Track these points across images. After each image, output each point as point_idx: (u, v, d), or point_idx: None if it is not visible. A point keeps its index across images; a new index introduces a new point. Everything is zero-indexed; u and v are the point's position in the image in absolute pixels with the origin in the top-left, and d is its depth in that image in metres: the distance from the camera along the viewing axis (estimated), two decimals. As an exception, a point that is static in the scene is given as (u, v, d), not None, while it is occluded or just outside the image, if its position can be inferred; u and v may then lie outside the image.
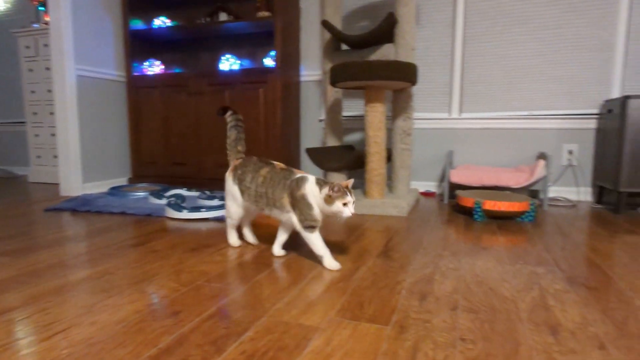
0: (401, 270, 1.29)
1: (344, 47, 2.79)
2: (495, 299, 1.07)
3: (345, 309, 1.01)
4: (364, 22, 3.03)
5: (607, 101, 2.44)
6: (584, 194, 2.68)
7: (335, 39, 2.65)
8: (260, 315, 0.96)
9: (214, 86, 2.99)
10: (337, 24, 2.65)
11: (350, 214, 1.24)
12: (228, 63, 3.12)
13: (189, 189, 2.65)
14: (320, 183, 1.28)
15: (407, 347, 0.82)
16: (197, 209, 2.06)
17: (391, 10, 2.93)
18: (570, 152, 2.67)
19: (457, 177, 2.50)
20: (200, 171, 3.09)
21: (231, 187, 1.47)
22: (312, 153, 2.53)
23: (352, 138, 3.14)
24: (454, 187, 2.77)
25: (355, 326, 0.91)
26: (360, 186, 3.05)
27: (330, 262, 1.31)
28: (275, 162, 1.42)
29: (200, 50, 3.41)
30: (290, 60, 2.99)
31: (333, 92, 2.68)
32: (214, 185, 3.06)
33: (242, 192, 1.43)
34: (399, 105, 2.48)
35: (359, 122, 3.09)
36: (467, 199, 2.10)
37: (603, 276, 1.25)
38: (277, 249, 1.46)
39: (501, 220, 2.05)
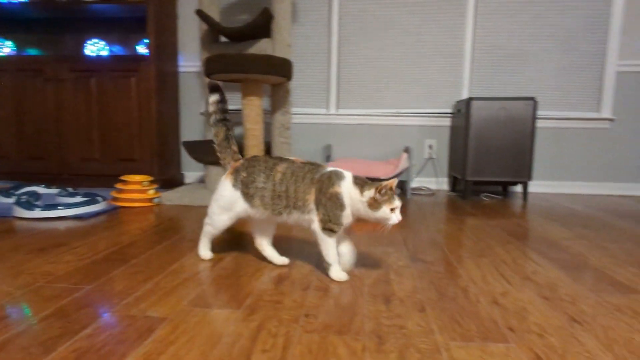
0: (263, 258, 1.33)
1: (223, 39, 2.76)
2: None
3: (199, 297, 1.01)
4: (244, 16, 3.02)
5: (457, 102, 2.79)
6: (441, 183, 3.04)
7: (212, 30, 2.60)
8: (105, 311, 0.92)
9: (78, 72, 2.72)
10: (215, 14, 2.60)
11: (397, 221, 1.10)
12: (95, 48, 2.86)
13: (48, 186, 2.38)
14: (360, 183, 1.11)
15: (253, 327, 0.86)
16: (53, 206, 1.86)
17: (267, 5, 2.97)
18: (430, 147, 2.99)
19: (333, 169, 2.64)
20: (63, 166, 2.79)
21: (228, 192, 1.21)
22: (190, 146, 2.46)
23: (235, 132, 3.12)
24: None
25: (206, 313, 0.92)
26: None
27: (338, 273, 1.14)
28: (290, 157, 1.22)
29: (62, 32, 3.07)
30: (166, 49, 2.85)
31: (211, 85, 2.62)
32: (79, 181, 2.79)
33: (250, 197, 1.18)
34: (277, 100, 2.54)
35: (240, 116, 3.08)
36: (339, 190, 2.23)
37: (440, 252, 1.44)
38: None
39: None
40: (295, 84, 3.05)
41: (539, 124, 2.88)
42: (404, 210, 2.20)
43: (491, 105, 2.48)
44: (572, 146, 2.90)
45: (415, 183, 3.04)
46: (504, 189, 2.92)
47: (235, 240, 1.55)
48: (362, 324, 0.88)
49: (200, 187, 2.54)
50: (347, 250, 1.19)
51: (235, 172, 1.21)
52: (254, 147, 2.27)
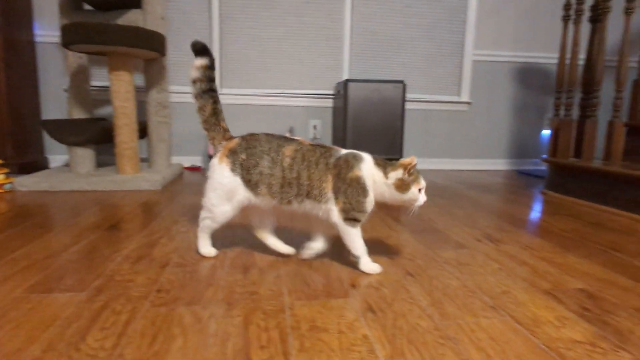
0: (126, 239, 1.27)
1: (88, 7, 2.49)
2: (208, 253, 1.16)
3: (39, 284, 0.93)
4: (113, -17, 2.76)
5: (337, 84, 2.91)
6: (326, 163, 3.17)
7: (73, -5, 2.33)
8: None
9: None
10: (75, -22, 2.33)
11: (423, 202, 1.03)
12: None
13: None
14: (382, 164, 1.02)
15: (96, 308, 0.82)
16: None
17: (143, -26, 2.76)
18: (315, 127, 3.09)
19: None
20: None
21: (227, 178, 1.04)
22: (49, 126, 2.21)
23: (106, 111, 2.87)
24: (217, 160, 2.87)
25: (43, 299, 0.86)
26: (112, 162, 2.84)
27: (370, 265, 1.05)
28: (295, 137, 1.08)
29: None
30: (16, 14, 2.49)
31: (76, 58, 2.37)
32: None
33: (254, 184, 1.04)
34: (152, 76, 2.39)
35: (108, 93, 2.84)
36: (219, 169, 2.21)
37: (304, 222, 1.51)
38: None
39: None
40: (175, 61, 2.89)
41: (410, 105, 3.14)
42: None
43: (366, 87, 2.64)
44: (437, 126, 3.23)
45: (301, 162, 3.13)
46: (381, 166, 3.15)
47: (98, 223, 1.45)
48: (214, 294, 0.90)
49: (64, 170, 2.30)
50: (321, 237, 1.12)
51: (232, 154, 1.04)
52: (126, 126, 2.12)
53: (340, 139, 2.79)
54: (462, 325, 0.79)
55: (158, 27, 2.31)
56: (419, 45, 3.10)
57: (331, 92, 3.08)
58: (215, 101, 1.10)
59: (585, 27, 2.99)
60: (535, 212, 1.80)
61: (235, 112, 3.00)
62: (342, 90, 2.70)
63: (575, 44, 2.18)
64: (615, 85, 2.08)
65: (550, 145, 2.31)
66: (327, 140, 3.13)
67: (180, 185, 2.24)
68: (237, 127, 3.01)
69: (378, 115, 2.68)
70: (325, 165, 1.01)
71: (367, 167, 1.02)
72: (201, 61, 1.08)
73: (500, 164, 3.35)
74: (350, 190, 0.99)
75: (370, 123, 2.68)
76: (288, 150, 1.03)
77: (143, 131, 2.42)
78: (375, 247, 1.25)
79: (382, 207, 1.80)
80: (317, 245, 1.12)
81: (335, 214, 1.01)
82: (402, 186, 0.99)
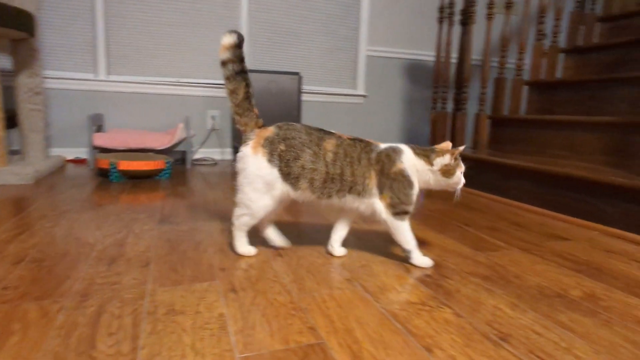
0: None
1: None
2: (73, 246, 1.10)
3: None
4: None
5: (235, 73, 2.89)
6: (226, 154, 3.13)
7: None
8: None
9: None
10: None
11: (463, 184, 1.06)
12: None
13: None
14: (423, 153, 1.03)
15: None
16: None
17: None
18: (213, 118, 3.04)
19: (101, 140, 2.43)
20: None
21: (265, 170, 0.98)
22: None
23: (-31, 97, 2.53)
24: (107, 152, 2.68)
25: None
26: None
27: (421, 259, 1.05)
28: (332, 131, 1.03)
29: None
30: None
31: None
32: None
33: (294, 178, 0.99)
34: (21, 60, 2.16)
35: (-24, 78, 2.51)
36: (103, 161, 2.08)
37: (193, 214, 1.49)
38: (338, 248, 1.11)
39: (140, 179, 2.14)
40: (52, 43, 2.64)
41: (308, 97, 3.23)
42: (182, 181, 2.19)
43: (262, 78, 2.66)
44: (335, 118, 3.36)
45: (200, 154, 3.06)
46: (282, 157, 3.20)
47: (-58, 222, 1.28)
48: (70, 287, 0.86)
49: None
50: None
51: (269, 143, 0.99)
52: (-13, 113, 1.89)
53: (238, 130, 2.77)
54: (316, 297, 0.85)
55: (25, 4, 2.09)
56: (316, 39, 3.19)
57: (229, 82, 3.04)
58: (248, 84, 1.03)
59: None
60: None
61: (125, 100, 2.83)
62: (239, 81, 2.68)
63: (448, 43, 2.41)
64: (480, 82, 2.35)
65: (430, 135, 2.54)
66: (227, 131, 3.10)
67: (59, 179, 2.07)
68: (127, 117, 2.85)
69: (275, 106, 2.71)
70: (368, 161, 1.01)
71: (408, 159, 1.03)
72: (230, 39, 0.99)
73: (393, 154, 3.59)
74: (396, 185, 1.00)
75: (268, 114, 2.71)
76: (329, 144, 1.00)
77: (12, 120, 2.19)
78: (256, 232, 1.28)
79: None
80: (340, 236, 1.12)
81: (383, 210, 1.01)
82: (448, 171, 1.02)
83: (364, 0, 3.25)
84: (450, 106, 3.24)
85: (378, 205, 1.01)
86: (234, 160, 3.03)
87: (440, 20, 2.42)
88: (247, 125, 1.04)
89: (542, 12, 2.35)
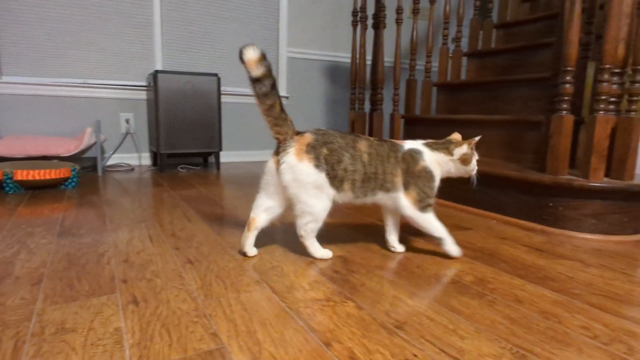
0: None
1: None
2: (-51, 268, 0.99)
3: None
4: None
5: (148, 75, 2.76)
6: (144, 159, 2.98)
7: None
8: None
9: None
10: None
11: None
12: None
13: None
14: (440, 147, 1.13)
15: None
16: None
17: None
18: (127, 121, 2.87)
19: (-5, 148, 2.19)
20: None
21: (314, 175, 1.01)
22: None
23: None
24: (3, 160, 2.43)
25: None
26: None
27: (453, 246, 1.14)
28: (356, 134, 1.11)
29: None
30: None
31: None
32: None
33: (339, 181, 1.04)
34: None
35: None
36: (-4, 171, 1.88)
37: (99, 224, 1.40)
38: (397, 244, 1.20)
39: (42, 189, 1.96)
40: None
41: (229, 99, 3.17)
42: (92, 189, 2.05)
43: (178, 79, 2.56)
44: (258, 120, 3.34)
45: (115, 159, 2.88)
46: (204, 160, 3.12)
47: None
48: (-59, 313, 0.77)
49: None
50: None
51: (312, 149, 1.01)
52: None
53: (154, 133, 2.65)
54: (222, 303, 0.85)
55: None
56: (235, 39, 3.15)
57: (144, 83, 2.90)
58: (279, 95, 1.04)
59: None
60: (332, 195, 2.03)
61: (24, 104, 2.58)
62: (152, 82, 2.57)
63: (362, 46, 2.50)
64: (393, 83, 2.46)
65: (349, 135, 2.62)
66: (143, 135, 2.95)
67: (-60, 193, 1.84)
68: (26, 122, 2.60)
69: (194, 108, 2.63)
70: (395, 159, 1.09)
71: (428, 156, 1.12)
72: (255, 53, 0.96)
73: (318, 154, 3.65)
74: (421, 181, 1.09)
75: (186, 117, 2.62)
76: (363, 145, 1.06)
77: None
78: (168, 240, 1.24)
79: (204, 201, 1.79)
80: (393, 234, 1.20)
81: (409, 206, 1.09)
82: (466, 160, 1.12)
83: (283, 1, 3.27)
84: (367, 107, 3.36)
85: (403, 201, 1.09)
86: (152, 165, 2.90)
87: (354, 24, 2.50)
88: (286, 134, 1.04)
89: (446, 19, 2.53)
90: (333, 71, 3.60)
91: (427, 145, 1.14)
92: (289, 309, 0.83)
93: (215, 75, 2.67)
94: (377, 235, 1.36)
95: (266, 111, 1.03)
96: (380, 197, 1.11)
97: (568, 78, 1.42)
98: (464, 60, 2.85)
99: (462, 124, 2.21)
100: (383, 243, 1.27)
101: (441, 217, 1.62)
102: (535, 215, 1.53)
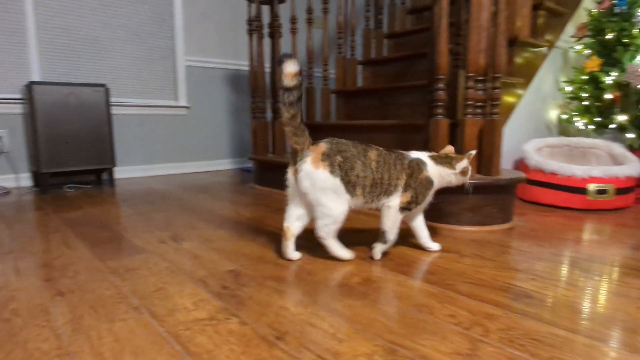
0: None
1: None
2: None
3: None
4: None
5: (23, 87, 2.48)
6: (24, 180, 2.67)
7: None
8: None
9: None
10: None
11: None
12: None
13: None
14: (443, 161, 1.24)
15: None
16: None
17: None
18: (0, 138, 2.55)
19: None
20: None
21: (330, 180, 1.09)
22: None
23: None
24: None
25: None
26: None
27: (379, 253, 1.22)
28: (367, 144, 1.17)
29: None
30: None
31: None
32: None
33: (352, 186, 1.11)
34: None
35: None
36: None
37: (-47, 260, 1.22)
38: (432, 244, 1.30)
39: None
40: None
41: (122, 111, 2.97)
42: (-57, 218, 1.77)
43: (59, 91, 2.34)
44: (157, 132, 3.18)
45: (-14, 183, 2.53)
46: (98, 177, 2.88)
47: None
48: None
49: None
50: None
51: (327, 157, 1.10)
52: None
53: (33, 150, 2.39)
54: (91, 336, 0.78)
55: None
56: (125, 48, 2.96)
57: (19, 96, 2.60)
58: (301, 108, 1.12)
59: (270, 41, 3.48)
60: (235, 206, 1.99)
61: None
62: (27, 95, 2.31)
63: (260, 55, 2.50)
64: (292, 91, 2.49)
65: (252, 144, 2.60)
66: (21, 153, 2.64)
67: None
68: None
69: (80, 122, 2.42)
70: (402, 166, 1.17)
71: (431, 168, 1.22)
72: (294, 67, 1.06)
73: (224, 164, 3.57)
74: (420, 187, 1.19)
75: (71, 131, 2.40)
76: (373, 154, 1.14)
77: None
78: (38, 271, 1.11)
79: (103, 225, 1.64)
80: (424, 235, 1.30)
81: (395, 201, 1.17)
82: (465, 172, 1.24)
83: (177, 8, 3.15)
84: (269, 115, 3.37)
85: (395, 201, 1.18)
86: (34, 186, 2.60)
87: (250, 33, 2.49)
88: (303, 144, 1.12)
89: (339, 29, 2.63)
90: (236, 80, 3.55)
91: (431, 157, 1.25)
92: (167, 333, 0.79)
93: (103, 85, 2.48)
94: (272, 244, 1.36)
95: (288, 120, 1.10)
96: (380, 203, 1.18)
97: (441, 85, 1.55)
98: (359, 68, 2.98)
99: (359, 129, 2.31)
100: (278, 252, 1.27)
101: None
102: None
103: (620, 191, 1.86)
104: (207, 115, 3.43)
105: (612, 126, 2.20)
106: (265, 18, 3.44)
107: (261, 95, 2.54)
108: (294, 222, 1.19)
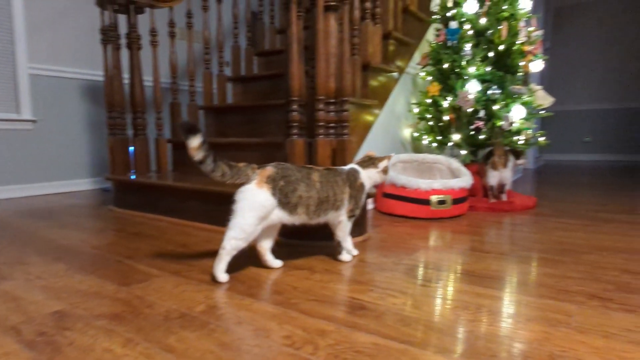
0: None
1: None
2: None
3: None
4: None
5: None
6: None
7: None
8: None
9: None
10: None
11: None
12: None
13: None
14: (366, 163, 1.42)
15: None
16: None
17: None
18: None
19: None
20: None
21: (268, 201, 1.19)
22: None
23: None
24: None
25: None
26: None
27: (346, 256, 1.41)
28: (310, 166, 1.33)
29: None
30: None
31: None
32: None
33: (292, 206, 1.23)
34: None
35: None
36: None
37: None
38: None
39: None
40: None
41: (-56, 125, 2.49)
42: None
43: None
44: (26, 147, 2.74)
45: None
46: None
47: None
48: None
49: None
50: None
51: (271, 180, 1.20)
52: None
53: None
54: None
55: None
56: (-54, 50, 2.50)
57: None
58: (224, 162, 1.16)
59: (128, 53, 3.28)
60: (83, 233, 1.79)
61: None
62: None
63: (115, 67, 2.32)
64: (154, 107, 2.36)
65: (110, 162, 2.39)
66: None
67: None
68: None
69: None
70: (342, 180, 1.33)
71: (362, 173, 1.40)
72: (197, 140, 1.10)
73: (83, 184, 3.22)
74: (358, 194, 1.36)
75: None
76: (315, 176, 1.27)
77: None
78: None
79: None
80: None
81: (344, 214, 1.35)
82: (385, 170, 1.42)
83: (17, 9, 2.77)
84: (131, 131, 3.15)
85: (343, 215, 1.35)
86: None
87: (104, 43, 2.30)
88: (248, 175, 1.20)
89: (206, 45, 2.58)
90: (94, 92, 3.24)
91: (358, 164, 1.42)
92: (-56, 403, 0.66)
93: None
94: (116, 275, 1.25)
95: (221, 178, 1.16)
96: (331, 216, 1.33)
97: (295, 107, 1.61)
98: (230, 84, 2.96)
99: (226, 147, 2.27)
100: (122, 283, 1.17)
101: (198, 243, 1.60)
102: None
103: (456, 201, 2.14)
104: (60, 130, 3.06)
105: (450, 144, 2.53)
106: (122, 28, 3.23)
107: (119, 110, 2.36)
108: (263, 241, 1.31)
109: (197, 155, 1.12)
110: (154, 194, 2.13)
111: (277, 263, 1.34)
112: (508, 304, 1.05)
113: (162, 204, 2.10)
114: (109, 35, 2.29)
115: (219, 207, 1.88)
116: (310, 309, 1.02)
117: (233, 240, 1.17)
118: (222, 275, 1.20)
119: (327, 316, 0.98)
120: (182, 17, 3.73)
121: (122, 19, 2.91)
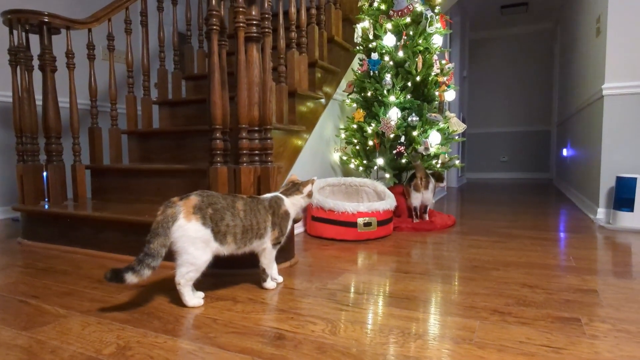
0: None
1: None
2: None
3: None
4: None
5: None
6: None
7: None
8: None
9: None
10: None
11: None
12: None
13: None
14: (290, 191, 1.43)
15: None
16: None
17: None
18: None
19: None
20: None
21: (201, 232, 1.19)
22: None
23: None
24: None
25: None
26: None
27: (270, 283, 1.41)
28: (234, 194, 1.35)
29: None
30: None
31: None
32: None
33: (222, 235, 1.22)
34: None
35: None
36: None
37: None
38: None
39: None
40: None
41: None
42: None
43: None
44: None
45: None
46: None
47: None
48: None
49: None
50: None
51: (198, 210, 1.19)
52: None
53: None
54: None
55: None
56: None
57: None
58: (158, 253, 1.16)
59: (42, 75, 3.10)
60: (-19, 272, 1.63)
61: None
62: None
63: (25, 90, 2.18)
64: (71, 132, 2.24)
65: (19, 191, 2.20)
66: None
67: None
68: None
69: None
70: (264, 209, 1.34)
71: (286, 201, 1.40)
72: (134, 277, 1.14)
73: (-12, 215, 2.92)
74: (283, 222, 1.37)
75: None
76: (240, 204, 1.28)
77: None
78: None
79: None
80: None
81: (268, 241, 1.35)
82: (310, 195, 1.43)
83: None
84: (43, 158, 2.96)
85: (268, 242, 1.35)
86: None
87: (13, 64, 2.15)
88: (173, 213, 1.17)
89: (129, 68, 2.50)
90: (3, 114, 3.00)
91: (282, 192, 1.43)
92: None
93: None
94: (19, 317, 1.15)
95: (161, 250, 1.16)
96: (255, 245, 1.32)
97: (218, 135, 1.61)
98: (157, 108, 2.88)
99: (148, 174, 2.19)
100: (21, 327, 1.08)
101: (93, 269, 1.49)
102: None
103: (381, 222, 2.23)
104: (-40, 156, 2.77)
105: (375, 167, 2.64)
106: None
107: (30, 135, 2.20)
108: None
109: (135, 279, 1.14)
110: (69, 224, 1.99)
111: (196, 302, 1.24)
112: (420, 325, 1.11)
113: (78, 235, 1.97)
114: (18, 56, 2.14)
115: (140, 238, 1.80)
116: (227, 343, 1.01)
117: (186, 275, 1.21)
118: (195, 300, 1.24)
119: (244, 349, 0.97)
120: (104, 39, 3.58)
121: (35, 40, 2.75)
